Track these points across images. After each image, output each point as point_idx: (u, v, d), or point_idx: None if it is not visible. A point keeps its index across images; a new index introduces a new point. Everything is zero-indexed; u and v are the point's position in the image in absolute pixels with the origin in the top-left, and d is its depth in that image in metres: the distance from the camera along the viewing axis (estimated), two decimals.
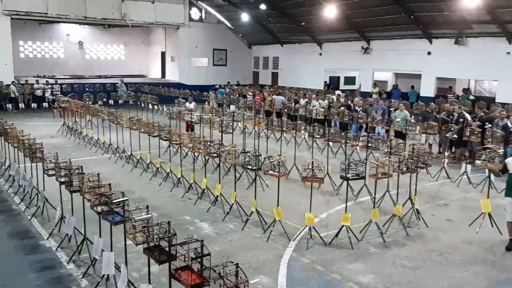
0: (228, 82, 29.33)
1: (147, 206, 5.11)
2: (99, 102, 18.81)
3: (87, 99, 17.18)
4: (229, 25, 31.12)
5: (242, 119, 14.55)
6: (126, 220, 5.17)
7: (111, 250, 5.80)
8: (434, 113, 14.71)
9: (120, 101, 22.13)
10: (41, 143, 8.70)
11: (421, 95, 21.70)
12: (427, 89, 21.72)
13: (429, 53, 21.30)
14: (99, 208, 5.66)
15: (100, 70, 32.35)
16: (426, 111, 14.94)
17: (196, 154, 10.23)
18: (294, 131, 12.73)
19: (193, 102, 16.97)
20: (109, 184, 6.06)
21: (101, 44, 33.14)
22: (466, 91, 21.31)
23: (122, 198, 5.50)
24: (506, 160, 7.75)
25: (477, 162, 8.75)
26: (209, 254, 4.01)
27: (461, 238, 7.91)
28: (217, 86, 26.52)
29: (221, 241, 7.63)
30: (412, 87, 23.71)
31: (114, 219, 5.45)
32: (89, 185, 6.07)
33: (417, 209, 8.58)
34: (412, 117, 15.58)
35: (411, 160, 8.26)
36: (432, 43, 21.17)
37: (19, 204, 9.26)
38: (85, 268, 6.41)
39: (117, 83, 26.52)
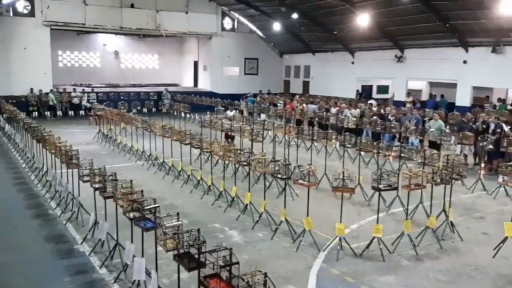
0: (260, 91, 29.45)
1: (178, 213, 5.17)
2: (133, 110, 19.20)
3: (122, 107, 17.57)
4: (261, 34, 31.31)
5: (272, 128, 14.57)
6: (157, 227, 5.24)
7: (142, 256, 5.88)
8: (470, 123, 14.32)
9: (164, 110, 22.92)
10: (77, 150, 8.94)
11: (456, 104, 21.18)
12: (463, 98, 21.17)
13: (465, 61, 20.79)
14: (131, 214, 5.77)
15: (134, 79, 33.08)
16: (462, 121, 14.57)
17: (227, 162, 10.29)
18: (325, 140, 12.64)
19: (234, 111, 17.11)
20: (141, 191, 6.18)
21: (136, 54, 33.95)
22: (504, 101, 20.68)
23: (154, 205, 5.58)
24: None
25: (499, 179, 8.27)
26: (238, 263, 4.02)
27: (498, 253, 7.63)
28: (248, 95, 26.71)
29: (250, 249, 7.63)
30: (442, 96, 23.30)
31: (145, 225, 5.54)
32: (122, 192, 6.19)
33: (451, 222, 8.35)
34: (447, 127, 15.23)
35: (446, 171, 8.07)
36: (468, 52, 20.67)
37: (55, 209, 9.53)
38: (117, 273, 6.54)
39: (151, 92, 27.03)
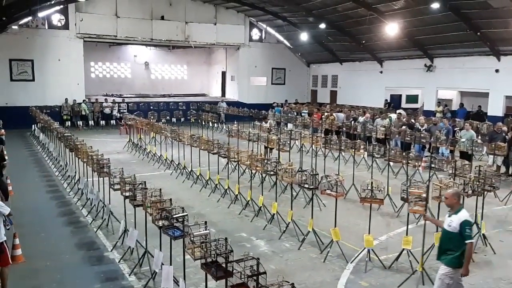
0: (286, 101, 29.45)
1: (206, 222, 5.22)
2: (163, 120, 19.51)
3: (152, 117, 17.87)
4: (288, 44, 31.41)
5: (299, 137, 14.55)
6: (185, 235, 5.30)
7: (171, 264, 5.95)
8: (503, 133, 13.95)
9: (222, 117, 23.44)
10: (108, 158, 9.16)
11: (488, 114, 20.68)
12: (495, 108, 20.67)
13: (497, 70, 20.32)
14: (160, 223, 5.86)
15: (164, 89, 33.66)
16: (494, 131, 14.20)
17: (254, 171, 10.33)
18: (353, 150, 12.53)
19: (269, 121, 17.17)
20: (170, 199, 6.26)
21: (165, 64, 34.57)
22: None
23: (182, 214, 5.65)
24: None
25: None
26: (265, 273, 4.03)
27: None
28: (274, 105, 26.79)
29: (277, 260, 7.61)
30: (461, 104, 23.00)
31: (174, 233, 5.61)
32: (152, 200, 6.29)
33: (483, 234, 8.13)
34: (479, 137, 14.86)
35: (477, 183, 7.88)
36: (500, 60, 20.20)
37: (86, 216, 9.74)
38: (145, 281, 6.62)
39: (179, 102, 27.41)
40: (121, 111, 25.42)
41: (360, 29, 24.30)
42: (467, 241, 5.32)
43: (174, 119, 21.40)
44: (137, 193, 6.96)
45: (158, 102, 27.38)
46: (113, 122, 25.56)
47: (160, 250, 6.25)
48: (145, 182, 7.25)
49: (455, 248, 5.41)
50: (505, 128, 14.42)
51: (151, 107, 25.38)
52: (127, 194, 7.26)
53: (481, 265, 7.46)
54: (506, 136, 13.79)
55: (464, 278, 6.86)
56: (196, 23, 28.19)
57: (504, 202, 10.94)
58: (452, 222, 5.49)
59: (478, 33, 19.56)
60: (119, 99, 27.46)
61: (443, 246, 5.57)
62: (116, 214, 8.87)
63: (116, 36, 26.43)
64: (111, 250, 7.88)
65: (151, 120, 17.31)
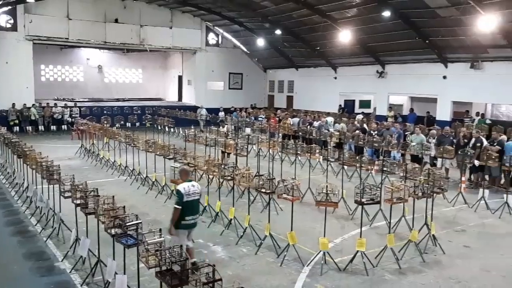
0: (251, 107, 29.46)
1: (160, 229, 5.14)
2: (117, 125, 19.08)
3: (105, 122, 17.45)
4: (245, 49, 31.55)
5: (257, 142, 14.61)
6: (139, 243, 5.20)
7: (124, 273, 5.81)
8: (450, 137, 14.56)
9: (202, 124, 23.32)
10: (59, 165, 8.85)
11: (437, 119, 21.55)
12: (443, 113, 21.57)
13: (444, 77, 21.23)
14: (113, 231, 5.71)
15: (118, 93, 32.93)
16: (442, 135, 14.79)
17: (211, 177, 10.26)
18: (309, 154, 12.71)
19: (226, 125, 17.11)
20: (124, 207, 6.12)
21: (119, 68, 33.86)
22: (482, 115, 21.12)
23: (136, 221, 5.54)
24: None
25: None
26: (221, 279, 4.00)
27: (479, 266, 7.74)
28: (232, 109, 26.84)
29: (234, 265, 7.59)
30: (411, 110, 23.96)
31: (127, 242, 5.49)
32: (104, 208, 6.13)
33: (433, 235, 8.43)
34: (431, 140, 15.33)
35: (427, 185, 8.17)
36: (448, 67, 21.12)
37: (35, 225, 9.36)
38: None
39: (134, 107, 26.90)
40: (73, 115, 24.64)
41: (315, 35, 24.75)
42: (174, 206, 6.80)
43: (128, 124, 20.96)
44: (89, 200, 6.77)
45: (112, 107, 26.75)
46: (64, 127, 24.74)
47: (114, 259, 6.08)
48: (97, 189, 7.05)
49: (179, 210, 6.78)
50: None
51: (105, 112, 24.74)
52: (79, 201, 7.04)
53: (431, 265, 7.73)
54: (454, 140, 14.39)
55: (415, 279, 7.11)
56: (152, 26, 27.80)
57: (452, 204, 11.38)
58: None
59: (427, 41, 20.36)
60: (71, 103, 26.62)
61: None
62: (67, 223, 8.57)
63: (68, 38, 25.64)
64: (62, 260, 7.59)
65: (105, 125, 16.90)
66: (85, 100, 30.27)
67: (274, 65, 31.97)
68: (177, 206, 6.72)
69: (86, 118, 19.86)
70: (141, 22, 27.46)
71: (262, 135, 18.87)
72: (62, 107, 25.48)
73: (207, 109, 26.51)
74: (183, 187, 6.82)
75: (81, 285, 6.70)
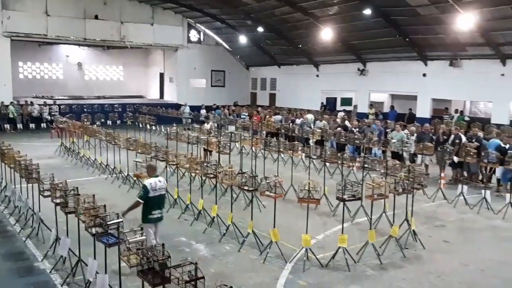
0: (234, 104, 29.40)
1: (142, 228, 5.10)
2: (97, 123, 18.84)
3: (85, 120, 17.22)
4: (227, 47, 31.47)
5: (239, 140, 14.59)
6: (120, 242, 5.15)
7: (105, 272, 5.75)
8: (430, 134, 14.77)
9: (184, 121, 23.08)
10: (38, 164, 8.71)
11: (417, 116, 21.83)
12: (423, 110, 21.87)
13: (424, 74, 21.52)
14: (93, 230, 5.65)
15: (98, 91, 32.52)
16: (422, 132, 15.00)
17: (193, 175, 10.22)
18: (291, 151, 12.75)
19: (210, 123, 17.04)
20: (104, 206, 6.06)
21: (100, 65, 33.42)
22: (461, 112, 21.48)
23: (117, 220, 5.49)
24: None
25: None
26: (203, 277, 3.99)
27: (459, 260, 7.88)
28: (214, 106, 26.75)
29: (217, 263, 7.58)
30: (392, 107, 24.26)
31: (108, 241, 5.43)
32: (84, 207, 6.05)
33: (413, 230, 8.55)
34: (412, 137, 15.51)
35: (407, 181, 8.28)
36: (427, 65, 21.41)
37: (14, 225, 9.19)
38: None
39: (115, 104, 26.60)
40: (53, 113, 24.25)
41: (297, 33, 24.83)
42: (137, 197, 7.06)
43: (109, 122, 20.72)
44: (69, 199, 6.67)
45: (92, 104, 26.35)
46: (43, 125, 24.32)
47: (94, 258, 6.02)
48: (77, 188, 6.96)
49: (145, 204, 7.09)
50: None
51: (85, 109, 24.32)
52: (58, 201, 6.94)
53: (412, 260, 7.84)
54: (433, 137, 14.60)
55: (396, 274, 7.20)
56: (132, 23, 27.51)
57: (432, 199, 11.56)
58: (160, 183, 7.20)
59: (407, 39, 20.60)
60: (50, 101, 26.18)
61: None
62: (47, 222, 8.43)
63: (47, 35, 25.19)
64: (42, 260, 7.47)
65: (85, 123, 16.66)
66: (65, 97, 29.81)
67: (256, 63, 31.96)
68: (140, 200, 6.99)
69: (65, 116, 19.55)
70: (122, 18, 27.15)
71: (245, 132, 18.86)
72: (40, 105, 25.03)
73: (190, 107, 26.37)
74: (149, 182, 7.06)
75: (61, 285, 6.61)
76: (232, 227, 8.56)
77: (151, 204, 7.05)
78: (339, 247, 7.48)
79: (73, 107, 25.44)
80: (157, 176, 7.30)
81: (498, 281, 7.11)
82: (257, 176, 8.23)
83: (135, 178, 8.79)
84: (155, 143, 11.84)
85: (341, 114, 21.79)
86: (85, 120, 17.26)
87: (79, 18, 25.83)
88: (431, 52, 20.98)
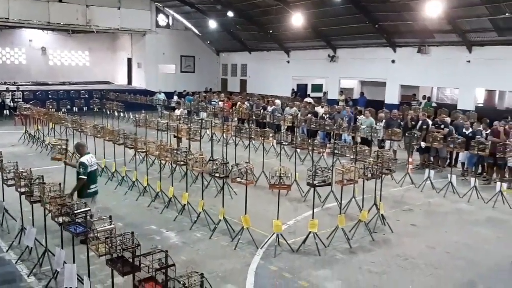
0: (205, 90, 29.07)
1: (110, 216, 4.99)
2: (63, 110, 18.33)
3: (50, 106, 16.73)
4: (196, 32, 31.03)
5: (210, 127, 14.47)
6: (88, 231, 5.03)
7: (74, 262, 5.63)
8: (398, 120, 15.02)
9: (159, 109, 22.73)
10: (0, 152, 8.40)
11: (385, 102, 22.14)
12: (392, 96, 22.20)
13: (393, 61, 21.80)
14: (60, 219, 5.50)
15: (64, 77, 31.59)
16: (390, 118, 15.24)
17: (163, 162, 10.09)
18: (262, 138, 12.74)
19: (181, 109, 16.81)
20: (71, 194, 5.90)
21: (65, 50, 32.39)
22: (428, 98, 21.91)
23: (85, 209, 5.36)
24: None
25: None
26: (173, 265, 3.95)
27: (426, 243, 8.08)
28: (185, 93, 26.42)
29: (188, 250, 7.53)
30: (362, 93, 24.57)
31: (76, 230, 5.30)
32: (51, 196, 5.89)
33: (382, 215, 8.72)
34: (379, 123, 15.79)
35: (376, 166, 8.40)
36: (396, 52, 21.69)
37: None
38: (46, 281, 6.21)
39: (81, 91, 25.95)
40: (16, 100, 23.41)
41: (268, 18, 24.65)
42: (79, 176, 7.35)
43: (75, 109, 20.20)
44: (34, 188, 6.48)
45: (57, 91, 25.59)
46: (6, 112, 23.47)
47: (62, 248, 5.88)
48: (42, 176, 6.76)
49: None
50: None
51: (50, 96, 23.67)
52: (23, 190, 6.73)
53: (380, 243, 8.00)
54: (401, 123, 14.86)
55: (365, 258, 7.33)
56: (98, 6, 26.68)
57: (400, 184, 11.80)
58: (77, 163, 7.60)
59: (376, 26, 20.77)
60: (13, 87, 25.27)
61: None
62: (11, 212, 8.19)
63: (8, 18, 24.13)
64: (7, 251, 7.26)
65: (50, 109, 16.19)
66: (28, 83, 28.83)
67: (227, 48, 31.67)
68: (84, 177, 7.36)
69: (30, 103, 18.94)
70: (87, 2, 26.25)
71: (216, 119, 18.72)
72: (2, 91, 24.11)
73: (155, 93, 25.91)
74: (86, 159, 7.52)
75: (28, 276, 6.46)
76: (203, 214, 8.51)
77: (89, 179, 7.46)
78: (310, 232, 7.55)
79: (37, 93, 24.65)
80: (88, 153, 7.79)
81: (463, 262, 7.33)
82: (228, 163, 8.19)
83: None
84: (123, 130, 11.60)
85: (308, 99, 21.86)
86: (50, 106, 16.80)
87: (42, 1, 24.88)
88: (399, 39, 21.24)
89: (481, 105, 20.81)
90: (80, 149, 7.80)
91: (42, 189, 6.15)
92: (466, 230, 8.80)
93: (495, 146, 11.10)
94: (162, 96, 24.93)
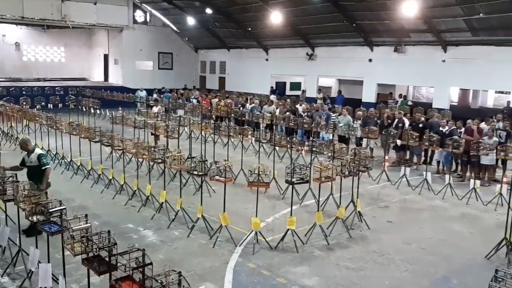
0: (183, 88, 28.87)
1: (86, 215, 4.91)
2: (37, 106, 17.95)
3: (24, 103, 16.37)
4: (174, 28, 30.80)
5: (188, 124, 14.38)
6: (63, 230, 4.95)
7: (48, 262, 5.52)
8: (375, 118, 15.20)
9: (139, 105, 22.18)
10: None
11: (363, 100, 22.39)
12: (369, 95, 22.46)
13: (370, 60, 22.07)
14: (35, 218, 5.39)
15: (38, 73, 30.95)
16: (367, 116, 15.41)
17: (140, 160, 9.99)
18: (241, 136, 12.73)
19: (159, 106, 16.64)
20: (46, 192, 5.80)
21: (40, 46, 31.72)
22: (405, 97, 22.26)
23: (60, 207, 5.26)
24: None
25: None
26: (151, 263, 3.91)
27: (401, 239, 8.21)
28: (163, 90, 26.18)
29: (166, 249, 7.48)
30: (339, 92, 24.82)
31: (50, 229, 5.20)
32: (24, 194, 5.76)
33: (359, 212, 8.82)
34: (356, 122, 15.94)
35: (353, 164, 8.49)
36: (373, 51, 21.96)
37: None
38: (20, 281, 6.09)
39: (56, 87, 25.46)
40: None
41: (246, 16, 24.64)
42: (45, 167, 7.57)
43: (50, 106, 19.80)
44: (7, 187, 6.32)
45: (31, 87, 25.05)
46: None
47: (36, 247, 5.76)
48: (16, 174, 6.61)
49: (40, 177, 7.47)
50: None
51: (24, 92, 23.12)
52: None
53: (357, 240, 8.09)
54: (378, 121, 15.04)
55: (342, 254, 7.40)
56: (74, 1, 26.20)
57: (377, 181, 11.97)
58: (32, 159, 7.69)
59: (354, 24, 20.99)
60: None
61: (33, 179, 7.18)
62: None
63: None
64: None
65: (24, 106, 15.84)
66: (2, 79, 28.15)
67: (205, 45, 31.53)
68: (50, 166, 7.83)
69: (3, 99, 18.48)
70: None
71: (194, 117, 18.60)
72: None
73: (135, 90, 25.57)
74: (40, 150, 7.99)
75: (1, 276, 6.31)
76: (181, 212, 8.46)
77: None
78: (288, 229, 7.59)
79: (11, 89, 24.05)
80: (36, 145, 8.32)
81: (437, 257, 7.47)
82: (206, 160, 8.15)
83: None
84: (99, 127, 11.43)
85: (272, 97, 21.90)
86: (24, 103, 16.42)
87: None
88: (376, 38, 21.50)
89: (456, 103, 21.25)
90: (28, 145, 7.91)
91: (16, 188, 6.02)
92: (440, 226, 8.97)
93: (469, 144, 11.33)
94: (143, 94, 24.64)
